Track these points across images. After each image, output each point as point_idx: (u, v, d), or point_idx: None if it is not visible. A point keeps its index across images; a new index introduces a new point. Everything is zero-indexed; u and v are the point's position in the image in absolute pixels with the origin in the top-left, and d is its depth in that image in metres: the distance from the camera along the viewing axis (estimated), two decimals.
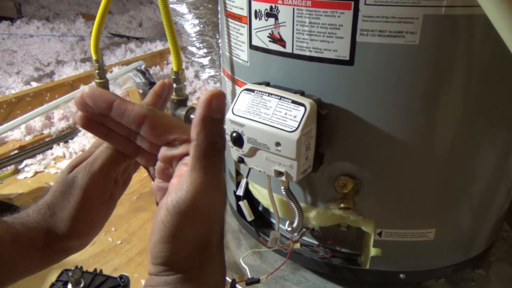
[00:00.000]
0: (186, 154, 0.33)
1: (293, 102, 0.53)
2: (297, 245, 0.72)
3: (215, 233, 0.33)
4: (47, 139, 1.43)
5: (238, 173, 0.77)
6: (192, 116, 0.82)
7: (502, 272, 0.74)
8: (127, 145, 0.37)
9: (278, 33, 0.56)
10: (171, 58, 0.95)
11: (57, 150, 1.36)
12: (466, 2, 0.47)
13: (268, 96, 0.55)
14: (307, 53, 0.55)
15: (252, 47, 0.62)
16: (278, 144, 0.52)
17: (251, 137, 0.54)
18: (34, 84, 1.77)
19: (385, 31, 0.49)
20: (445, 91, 0.53)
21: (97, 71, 1.11)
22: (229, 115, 0.56)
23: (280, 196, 0.64)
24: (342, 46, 0.52)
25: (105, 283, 0.61)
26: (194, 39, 1.84)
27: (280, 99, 0.54)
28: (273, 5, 0.55)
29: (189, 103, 0.91)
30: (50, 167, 1.27)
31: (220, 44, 0.92)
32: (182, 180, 0.30)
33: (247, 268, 0.72)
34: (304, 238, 0.74)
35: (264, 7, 0.57)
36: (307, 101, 0.53)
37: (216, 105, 0.30)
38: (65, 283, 0.60)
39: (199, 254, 0.32)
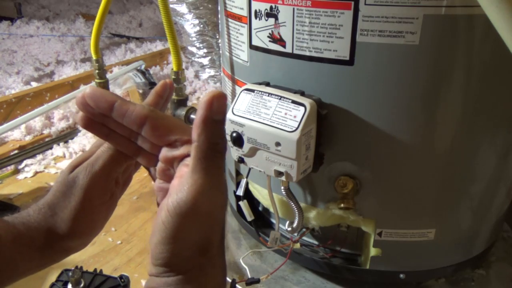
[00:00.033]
0: (187, 155, 0.33)
1: (293, 102, 0.53)
2: (297, 245, 0.72)
3: (216, 234, 0.32)
4: (47, 139, 1.43)
5: (238, 173, 0.77)
6: (192, 116, 0.82)
7: (502, 272, 0.74)
8: (128, 145, 0.37)
9: (278, 33, 0.56)
10: (171, 58, 0.95)
11: (57, 150, 1.36)
12: (466, 2, 0.47)
13: (268, 96, 0.55)
14: (307, 53, 0.55)
15: (252, 47, 0.62)
16: (278, 144, 0.52)
17: (251, 137, 0.54)
18: (34, 84, 1.78)
19: (385, 31, 0.49)
20: (445, 91, 0.53)
21: (97, 71, 1.11)
22: (229, 115, 0.56)
23: (280, 196, 0.64)
24: (342, 46, 0.52)
25: (105, 283, 0.61)
26: (194, 39, 1.84)
27: (280, 99, 0.54)
28: (273, 5, 0.55)
29: (189, 103, 0.91)
30: (50, 167, 1.27)
31: (220, 44, 0.92)
32: (183, 181, 0.30)
33: (247, 268, 0.72)
34: (304, 238, 0.74)
35: (264, 7, 0.57)
36: (307, 101, 0.53)
37: (217, 107, 0.30)
38: (65, 283, 0.60)
39: (199, 256, 0.32)
